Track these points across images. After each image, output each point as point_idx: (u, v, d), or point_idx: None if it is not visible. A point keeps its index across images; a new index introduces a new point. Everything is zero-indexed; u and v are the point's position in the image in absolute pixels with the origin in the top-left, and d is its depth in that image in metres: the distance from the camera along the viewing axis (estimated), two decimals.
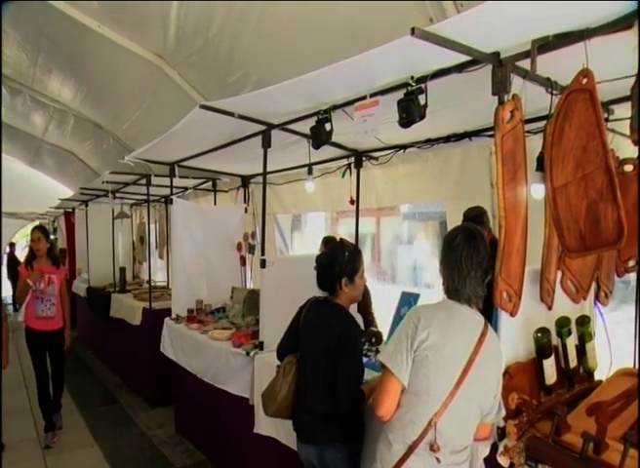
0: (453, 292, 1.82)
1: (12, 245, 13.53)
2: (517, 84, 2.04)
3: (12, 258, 12.86)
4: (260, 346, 3.26)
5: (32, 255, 4.73)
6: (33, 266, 4.65)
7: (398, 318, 2.97)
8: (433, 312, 1.81)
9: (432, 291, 5.73)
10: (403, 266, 7.45)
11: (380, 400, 1.78)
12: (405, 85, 2.32)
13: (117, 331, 6.80)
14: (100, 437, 4.87)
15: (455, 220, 3.78)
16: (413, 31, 1.75)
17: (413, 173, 4.23)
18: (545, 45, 1.93)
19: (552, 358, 2.11)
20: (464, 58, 2.09)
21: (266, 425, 3.01)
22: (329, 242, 4.54)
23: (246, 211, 5.51)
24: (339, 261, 2.28)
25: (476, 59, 2.07)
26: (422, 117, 2.27)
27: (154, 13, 4.55)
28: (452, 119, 3.16)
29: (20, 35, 6.16)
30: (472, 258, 1.79)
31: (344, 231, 5.88)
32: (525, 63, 2.00)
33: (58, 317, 4.75)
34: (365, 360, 2.73)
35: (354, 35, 3.36)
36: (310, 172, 3.94)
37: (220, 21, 4.21)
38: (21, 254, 13.97)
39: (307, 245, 6.31)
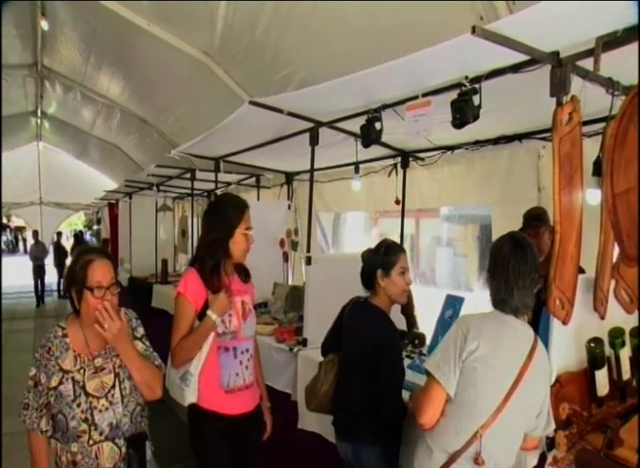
0: (499, 302, 1.78)
1: (59, 234, 14.04)
2: (574, 84, 1.98)
3: (58, 247, 13.34)
4: (304, 343, 3.27)
5: (216, 261, 2.27)
6: (214, 282, 2.25)
7: (442, 321, 2.94)
8: (483, 323, 1.77)
9: (473, 294, 5.65)
10: (442, 268, 7.37)
11: (423, 408, 1.76)
12: (458, 85, 2.29)
13: (158, 320, 6.93)
14: None
15: (500, 224, 3.70)
16: (473, 30, 1.72)
17: (458, 174, 4.16)
18: (611, 42, 1.86)
19: (605, 369, 2.05)
20: (520, 57, 2.05)
21: (310, 421, 3.01)
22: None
23: (289, 207, 5.53)
24: (375, 254, 2.30)
25: (534, 59, 2.02)
26: (476, 118, 2.24)
27: (203, 11, 4.62)
28: (501, 120, 3.10)
29: (77, 36, 6.42)
30: (520, 268, 1.75)
31: (384, 232, 5.85)
32: (585, 63, 1.94)
33: (256, 382, 2.46)
34: (409, 362, 2.72)
35: (400, 35, 3.34)
36: (357, 170, 3.94)
37: (267, 20, 4.25)
38: (67, 243, 14.53)
39: (346, 244, 6.30)
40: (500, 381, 1.69)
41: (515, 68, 2.14)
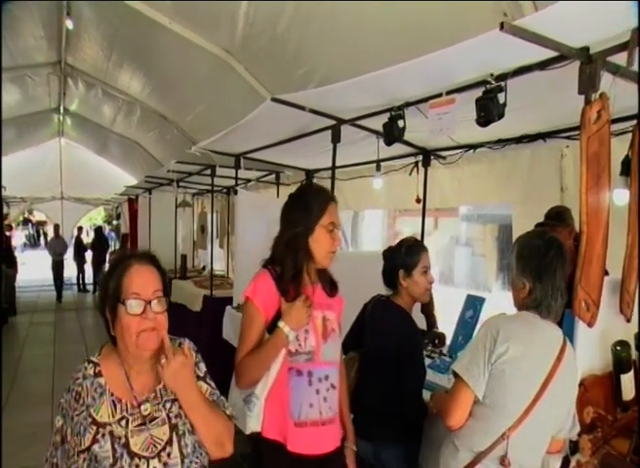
0: (544, 306, 1.75)
1: (79, 228, 14.25)
2: (603, 80, 1.93)
3: (79, 242, 13.54)
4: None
5: (298, 263, 1.86)
6: (292, 288, 1.84)
7: (463, 321, 2.91)
8: (512, 325, 1.74)
9: (492, 294, 5.61)
10: (461, 268, 7.33)
11: (451, 409, 1.75)
12: (483, 82, 2.26)
13: (176, 315, 6.95)
14: None
15: (522, 224, 3.65)
16: (502, 26, 1.69)
17: (479, 173, 4.12)
18: None
19: (631, 373, 2.02)
20: (547, 54, 2.01)
21: None
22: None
23: None
24: (397, 254, 2.28)
25: (562, 56, 1.97)
26: (501, 116, 2.21)
27: (224, 9, 4.64)
28: (524, 119, 3.05)
29: (100, 34, 6.53)
30: (564, 273, 1.75)
31: (404, 230, 5.83)
32: (616, 58, 1.88)
33: (339, 419, 1.97)
34: (429, 361, 2.71)
35: (421, 34, 3.33)
36: (379, 168, 3.92)
37: (289, 18, 4.25)
38: (87, 238, 14.74)
39: (365, 242, 6.29)
40: (529, 384, 1.67)
41: (542, 65, 2.09)
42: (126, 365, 1.39)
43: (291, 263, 1.82)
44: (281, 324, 1.76)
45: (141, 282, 1.34)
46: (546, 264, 1.74)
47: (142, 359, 1.37)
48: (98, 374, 1.38)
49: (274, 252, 1.91)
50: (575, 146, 3.16)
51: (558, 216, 2.97)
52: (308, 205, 1.87)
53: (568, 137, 3.13)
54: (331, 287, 1.99)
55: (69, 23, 6.24)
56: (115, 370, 1.39)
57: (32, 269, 15.72)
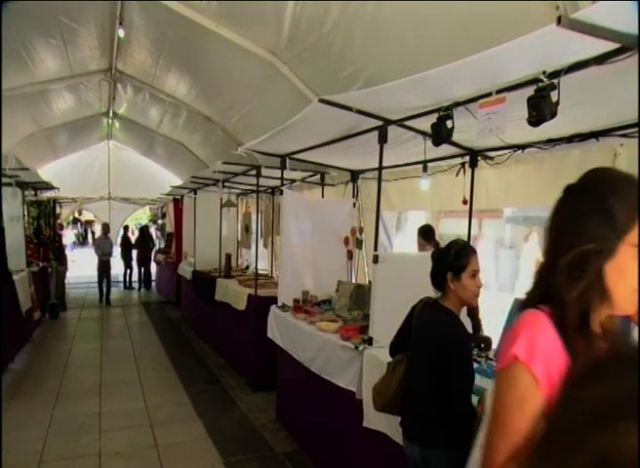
0: None
1: (126, 227, 14.71)
2: None
3: (125, 240, 13.98)
4: (370, 341, 3.24)
5: (585, 303, 1.04)
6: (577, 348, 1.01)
7: (510, 326, 2.85)
8: None
9: None
10: (504, 271, 7.16)
11: None
12: (534, 80, 2.21)
13: (221, 313, 7.15)
14: (203, 413, 5.10)
15: None
16: (559, 20, 1.65)
17: (526, 174, 4.01)
18: None
19: None
20: (604, 48, 1.94)
21: (376, 419, 2.99)
22: (425, 231, 4.57)
23: (354, 205, 5.50)
24: (445, 256, 2.26)
25: (623, 48, 1.89)
26: (554, 115, 2.16)
27: (270, 10, 4.69)
28: (576, 117, 2.96)
29: (149, 40, 6.73)
30: None
31: (448, 232, 5.75)
32: None
33: None
34: (475, 365, 2.67)
35: (469, 32, 3.27)
36: (425, 169, 3.89)
37: (335, 18, 4.26)
38: (133, 236, 15.21)
39: (408, 243, 6.23)
40: None
41: (600, 60, 2.02)
42: None
43: (578, 303, 1.07)
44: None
45: None
46: None
47: None
48: None
49: (543, 281, 1.14)
50: (630, 145, 3.05)
51: None
52: (607, 207, 1.08)
53: (624, 136, 3.02)
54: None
55: (121, 32, 6.46)
56: None
57: (81, 266, 16.34)
